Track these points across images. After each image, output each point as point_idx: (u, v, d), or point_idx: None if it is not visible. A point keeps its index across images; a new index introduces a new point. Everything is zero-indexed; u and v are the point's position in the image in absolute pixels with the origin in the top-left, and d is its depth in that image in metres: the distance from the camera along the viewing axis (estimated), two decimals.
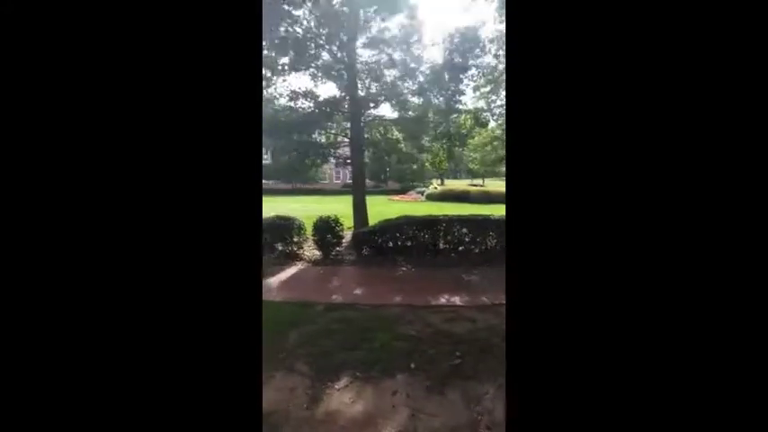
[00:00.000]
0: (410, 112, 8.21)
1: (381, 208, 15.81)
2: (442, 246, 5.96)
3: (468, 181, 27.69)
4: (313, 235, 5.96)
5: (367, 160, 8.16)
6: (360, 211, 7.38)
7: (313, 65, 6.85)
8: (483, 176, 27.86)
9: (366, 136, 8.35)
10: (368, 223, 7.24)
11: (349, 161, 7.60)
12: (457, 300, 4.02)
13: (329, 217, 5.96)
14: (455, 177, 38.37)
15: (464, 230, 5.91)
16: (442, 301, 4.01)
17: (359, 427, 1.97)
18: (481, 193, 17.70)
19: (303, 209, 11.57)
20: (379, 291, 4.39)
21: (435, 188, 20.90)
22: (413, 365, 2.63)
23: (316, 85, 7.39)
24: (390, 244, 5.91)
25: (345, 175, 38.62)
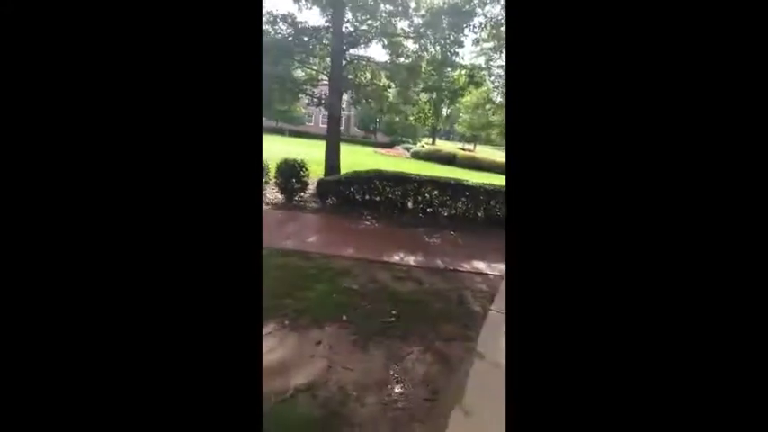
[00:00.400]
0: (402, 59, 7.54)
1: (363, 159, 15.34)
2: (410, 205, 5.82)
3: (461, 144, 27.08)
4: (276, 178, 5.65)
5: (352, 106, 7.55)
6: (331, 158, 7.01)
7: None
8: (474, 141, 27.29)
9: (350, 77, 7.69)
10: (339, 172, 6.94)
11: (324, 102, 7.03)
12: (411, 260, 3.96)
13: (295, 160, 5.61)
14: (448, 138, 37.50)
15: (435, 193, 5.75)
16: (396, 259, 3.93)
17: (269, 374, 1.90)
18: (468, 159, 17.38)
19: (277, 150, 11.03)
20: (334, 241, 4.26)
21: (423, 147, 20.33)
22: (344, 318, 2.57)
23: (299, 10, 6.54)
24: (358, 197, 5.71)
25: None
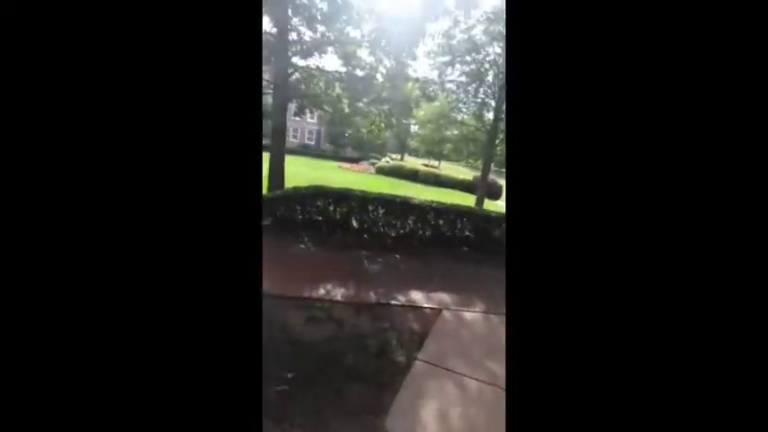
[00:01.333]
0: (357, 70, 7.15)
1: (325, 174, 14.75)
2: (355, 225, 5.27)
3: (425, 160, 27.18)
4: None
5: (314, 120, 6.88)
6: (275, 173, 6.37)
7: None
8: (438, 158, 27.54)
9: (302, 87, 7.17)
10: (283, 188, 6.31)
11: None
12: (340, 293, 3.38)
13: None
14: (417, 155, 37.90)
15: (382, 211, 5.25)
16: (321, 292, 3.34)
17: None
18: (431, 175, 17.25)
19: None
20: None
21: (387, 162, 20.08)
22: None
23: None
24: (297, 216, 5.09)
25: (303, 134, 36.37)
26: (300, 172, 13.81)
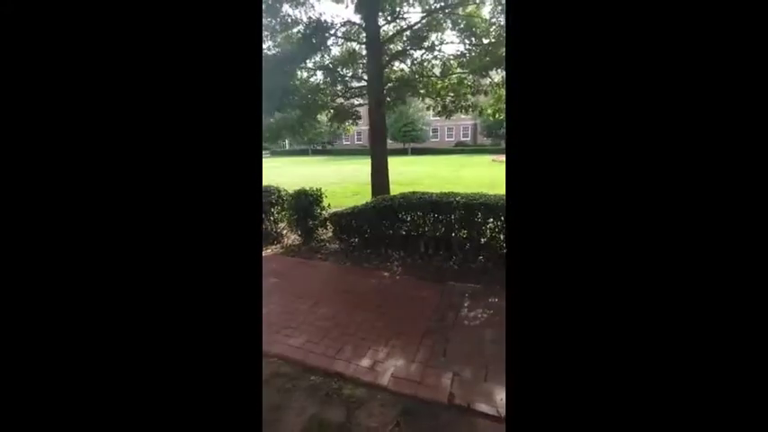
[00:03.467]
0: (484, 38, 5.52)
1: (476, 170, 13.03)
2: (456, 237, 3.72)
3: None
4: (291, 214, 4.64)
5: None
6: (379, 178, 5.54)
7: None
8: None
9: (416, 78, 6.16)
10: (388, 194, 5.45)
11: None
12: (392, 365, 2.10)
13: (305, 191, 4.47)
14: None
15: (491, 223, 3.49)
16: (364, 363, 2.15)
17: None
18: None
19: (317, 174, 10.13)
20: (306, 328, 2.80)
21: None
22: None
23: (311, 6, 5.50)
24: (385, 231, 4.05)
25: (459, 131, 34.94)
26: (439, 173, 12.81)
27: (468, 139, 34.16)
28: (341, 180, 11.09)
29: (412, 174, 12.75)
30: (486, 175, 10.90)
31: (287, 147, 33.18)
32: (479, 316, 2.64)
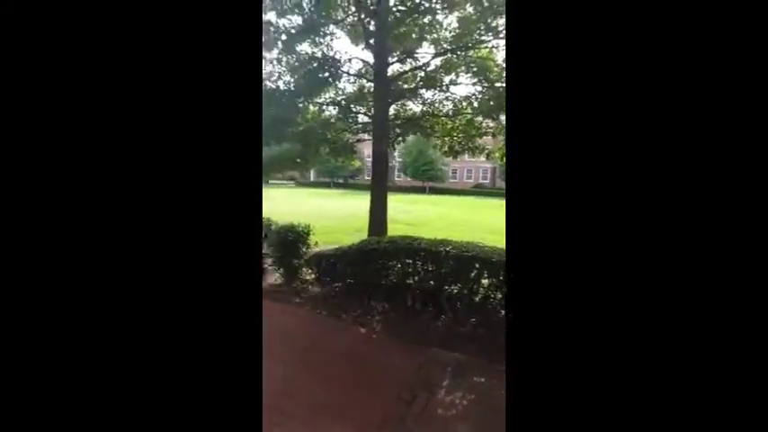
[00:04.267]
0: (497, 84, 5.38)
1: (478, 214, 12.51)
2: (447, 293, 3.21)
3: None
4: (274, 251, 4.30)
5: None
6: (375, 217, 5.20)
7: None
8: None
9: (425, 119, 6.00)
10: (386, 232, 5.05)
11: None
12: None
13: (291, 226, 4.15)
14: None
15: (486, 277, 2.99)
16: None
17: None
18: None
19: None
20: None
21: None
22: None
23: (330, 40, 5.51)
24: (366, 277, 3.60)
25: (478, 173, 34.85)
26: (450, 214, 12.34)
27: (488, 181, 33.90)
28: (348, 215, 10.81)
29: (421, 213, 12.34)
30: (492, 221, 10.32)
31: (311, 178, 34.03)
32: (457, 403, 2.09)
